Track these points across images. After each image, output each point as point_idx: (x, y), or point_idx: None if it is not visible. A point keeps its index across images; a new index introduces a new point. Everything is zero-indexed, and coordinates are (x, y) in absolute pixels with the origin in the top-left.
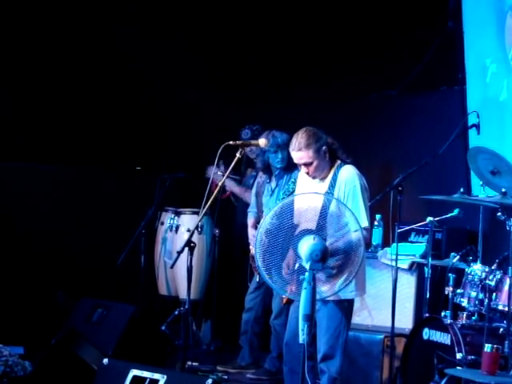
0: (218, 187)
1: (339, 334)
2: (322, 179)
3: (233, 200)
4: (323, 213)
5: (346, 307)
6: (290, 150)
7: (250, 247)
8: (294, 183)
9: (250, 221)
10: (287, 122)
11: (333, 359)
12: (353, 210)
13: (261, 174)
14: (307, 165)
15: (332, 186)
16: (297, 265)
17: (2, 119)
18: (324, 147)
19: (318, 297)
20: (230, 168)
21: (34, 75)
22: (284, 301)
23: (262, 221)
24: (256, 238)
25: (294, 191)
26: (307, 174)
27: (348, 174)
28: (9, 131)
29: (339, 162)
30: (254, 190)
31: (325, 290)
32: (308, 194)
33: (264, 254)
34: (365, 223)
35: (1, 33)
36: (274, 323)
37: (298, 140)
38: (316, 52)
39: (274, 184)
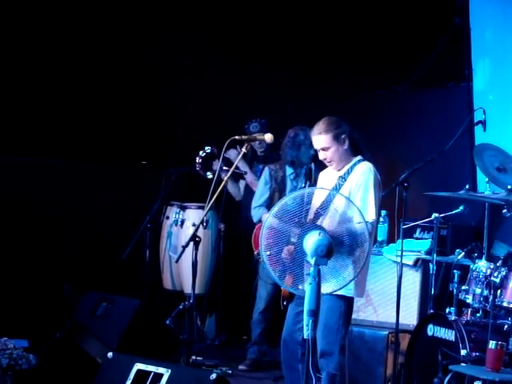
0: (222, 182)
1: (337, 330)
2: (340, 170)
3: (235, 196)
4: (326, 204)
5: (345, 303)
6: (311, 135)
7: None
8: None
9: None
10: (293, 118)
11: (331, 356)
12: (362, 202)
13: (274, 168)
14: (324, 150)
15: (348, 173)
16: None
17: (12, 114)
18: (343, 135)
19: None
20: (236, 162)
21: (44, 70)
22: (282, 296)
23: (267, 216)
24: (261, 233)
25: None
26: (325, 160)
27: (364, 168)
28: (18, 126)
29: (360, 157)
30: (268, 185)
31: (329, 284)
32: (317, 189)
33: (269, 249)
34: (371, 216)
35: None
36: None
37: (319, 125)
38: (323, 49)
39: (302, 182)
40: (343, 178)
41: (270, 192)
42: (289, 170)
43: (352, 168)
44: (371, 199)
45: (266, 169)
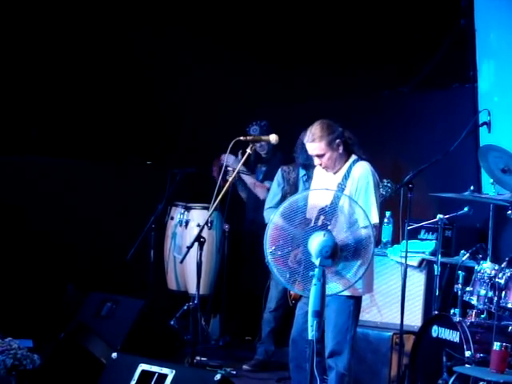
0: (228, 182)
1: (347, 330)
2: (336, 172)
3: (242, 195)
4: (332, 208)
5: (354, 303)
6: (304, 141)
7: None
8: None
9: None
10: (298, 119)
11: (340, 355)
12: (363, 206)
13: (287, 169)
14: (319, 156)
15: (345, 178)
16: (295, 255)
17: (16, 113)
18: (337, 140)
19: (327, 292)
20: (241, 163)
21: (47, 70)
22: (292, 297)
23: (271, 216)
24: (266, 233)
25: None
26: (320, 165)
27: (362, 170)
28: (22, 125)
29: (355, 157)
30: (280, 186)
31: (334, 286)
32: (320, 190)
33: (274, 250)
34: (375, 220)
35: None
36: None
37: (312, 131)
38: (328, 50)
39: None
40: (342, 185)
41: (282, 193)
42: (302, 172)
43: (349, 172)
44: (373, 203)
45: (279, 170)
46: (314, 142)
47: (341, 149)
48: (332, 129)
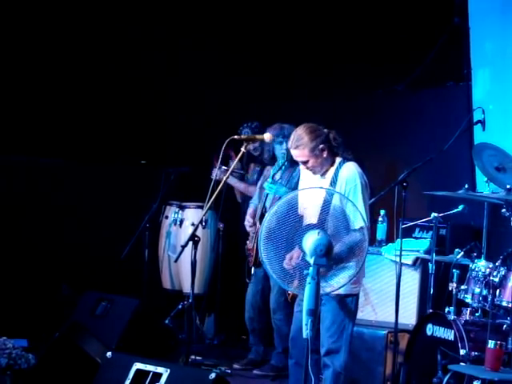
0: (222, 182)
1: (344, 329)
2: (323, 175)
3: (238, 198)
4: (325, 208)
5: (351, 302)
6: (288, 147)
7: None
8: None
9: (250, 210)
10: (292, 118)
11: (337, 354)
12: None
13: (268, 167)
14: (304, 162)
15: (334, 182)
16: (294, 260)
17: (11, 114)
18: (321, 145)
19: (321, 292)
20: (235, 163)
21: (44, 71)
22: (290, 295)
23: (266, 215)
24: (260, 232)
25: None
26: (307, 169)
27: (349, 172)
28: (16, 126)
29: (340, 158)
30: (259, 183)
31: (328, 285)
32: (312, 189)
33: (268, 248)
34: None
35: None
36: (274, 318)
37: (296, 137)
38: (322, 48)
39: (278, 175)
40: (333, 182)
41: None
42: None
43: (336, 176)
44: (361, 206)
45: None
46: (297, 148)
47: (325, 153)
48: (315, 134)
